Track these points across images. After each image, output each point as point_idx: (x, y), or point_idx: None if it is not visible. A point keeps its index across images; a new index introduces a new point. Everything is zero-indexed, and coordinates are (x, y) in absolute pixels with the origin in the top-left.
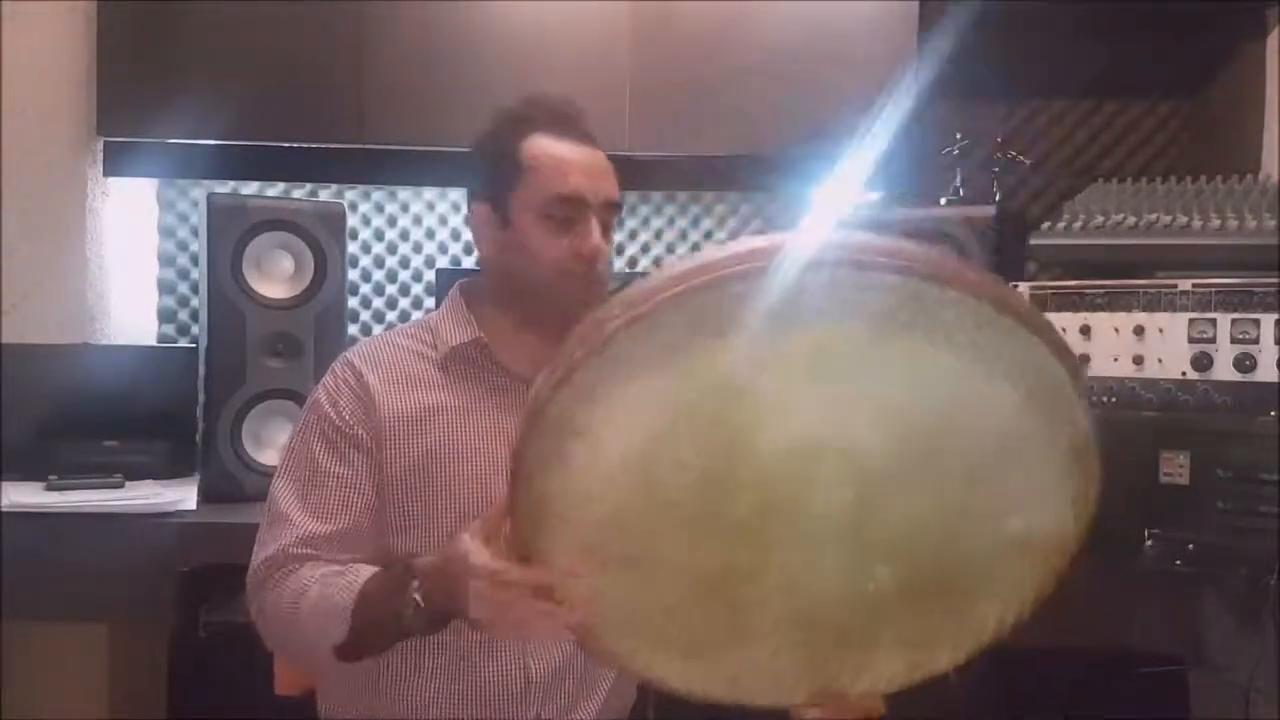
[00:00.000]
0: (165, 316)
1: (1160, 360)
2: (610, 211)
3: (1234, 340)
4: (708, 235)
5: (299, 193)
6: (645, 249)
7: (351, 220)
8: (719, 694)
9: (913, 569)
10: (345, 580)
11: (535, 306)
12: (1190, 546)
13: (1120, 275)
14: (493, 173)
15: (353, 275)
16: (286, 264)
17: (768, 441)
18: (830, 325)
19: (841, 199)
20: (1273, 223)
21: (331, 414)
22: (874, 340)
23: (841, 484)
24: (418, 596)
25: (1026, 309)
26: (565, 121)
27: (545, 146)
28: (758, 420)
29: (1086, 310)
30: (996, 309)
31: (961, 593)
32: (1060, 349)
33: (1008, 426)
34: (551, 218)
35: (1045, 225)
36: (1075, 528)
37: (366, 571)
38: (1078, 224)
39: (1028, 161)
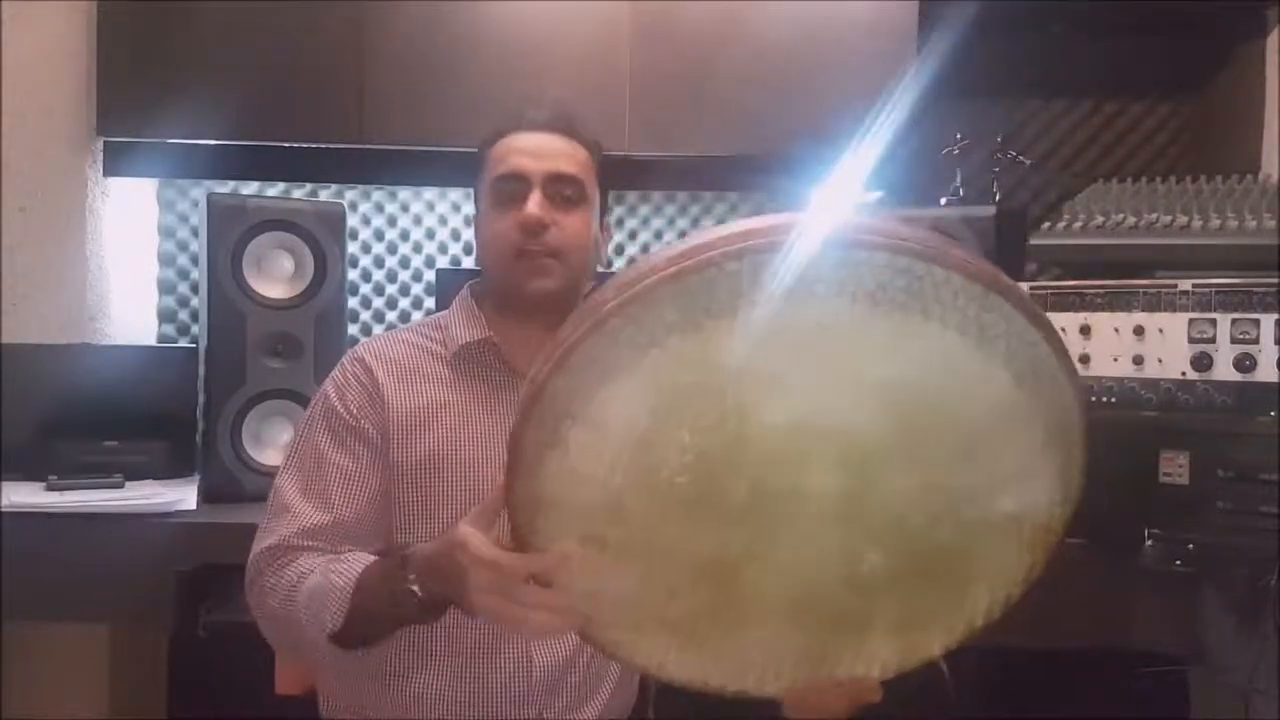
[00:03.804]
0: (165, 316)
1: (1160, 360)
2: (559, 184)
3: (1234, 340)
4: None
5: (299, 193)
6: (645, 249)
7: (351, 220)
8: (719, 683)
9: (905, 551)
10: (344, 566)
11: (501, 291)
12: (1190, 546)
13: (1120, 275)
14: (474, 179)
15: (353, 275)
16: (286, 264)
17: (761, 424)
18: (822, 304)
19: (841, 199)
20: (1273, 223)
21: (339, 407)
22: (866, 318)
23: (834, 467)
24: (414, 585)
25: (1012, 286)
26: (530, 118)
27: (502, 142)
28: (752, 402)
29: (1086, 310)
30: (985, 286)
31: (953, 574)
32: (1046, 327)
33: (996, 403)
34: (499, 199)
35: (1045, 225)
36: (1063, 508)
37: (366, 559)
38: (1078, 224)
39: (1028, 161)
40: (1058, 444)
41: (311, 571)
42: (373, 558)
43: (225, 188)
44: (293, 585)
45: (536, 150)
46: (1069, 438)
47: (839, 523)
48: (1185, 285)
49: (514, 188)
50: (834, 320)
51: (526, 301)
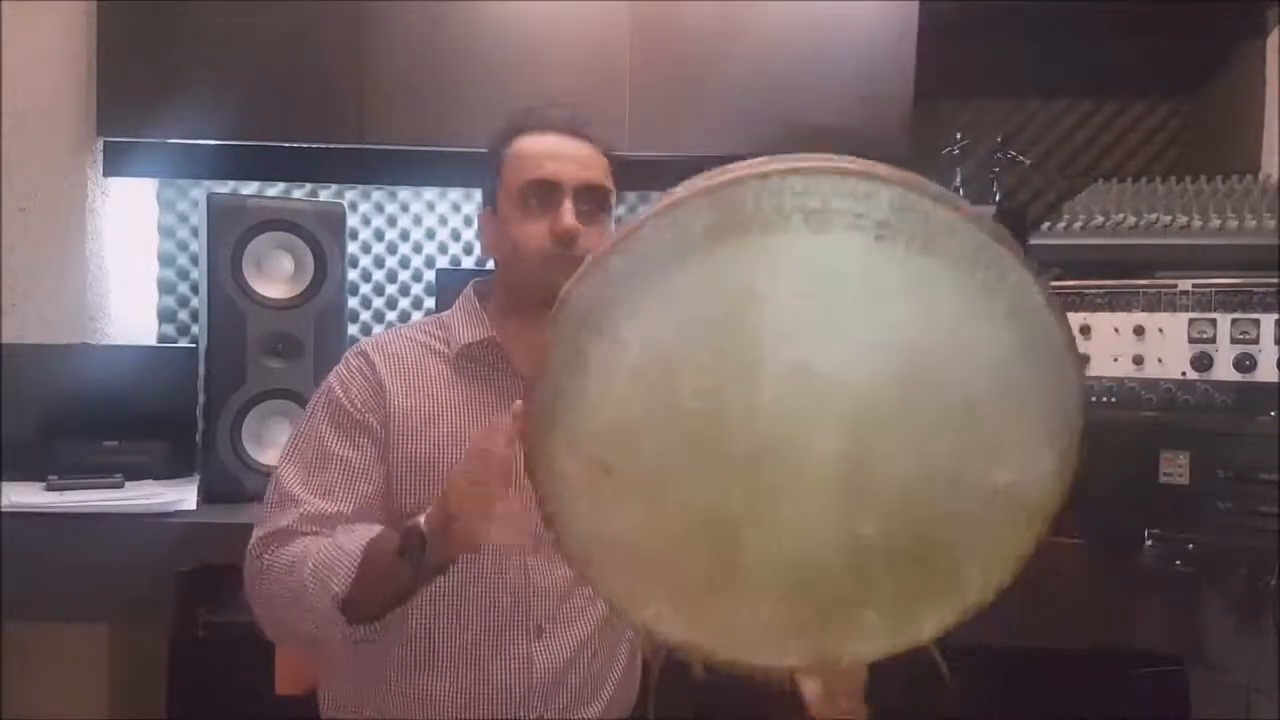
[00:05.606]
0: (165, 316)
1: (1160, 360)
2: (591, 195)
3: (1234, 340)
4: None
5: (299, 193)
6: None
7: (351, 220)
8: (711, 646)
9: (902, 522)
10: (355, 534)
11: (525, 294)
12: (1190, 546)
13: (1120, 275)
14: (488, 175)
15: (353, 275)
16: (286, 264)
17: (771, 367)
18: (837, 233)
19: None
20: (1273, 223)
21: (343, 399)
22: (876, 250)
23: (836, 430)
24: (424, 528)
25: (1018, 247)
26: (552, 119)
27: (525, 142)
28: (766, 329)
29: (1086, 310)
30: (994, 239)
31: (948, 549)
32: (1050, 297)
33: (998, 367)
34: (528, 203)
35: (1045, 225)
36: (1059, 485)
37: (378, 528)
38: (1078, 224)
39: (1028, 161)
40: (1057, 417)
41: (318, 543)
42: (382, 527)
43: (225, 188)
44: (296, 558)
45: (568, 156)
46: (1068, 411)
47: (838, 489)
48: (1185, 285)
49: (546, 194)
50: (846, 252)
51: (549, 297)
